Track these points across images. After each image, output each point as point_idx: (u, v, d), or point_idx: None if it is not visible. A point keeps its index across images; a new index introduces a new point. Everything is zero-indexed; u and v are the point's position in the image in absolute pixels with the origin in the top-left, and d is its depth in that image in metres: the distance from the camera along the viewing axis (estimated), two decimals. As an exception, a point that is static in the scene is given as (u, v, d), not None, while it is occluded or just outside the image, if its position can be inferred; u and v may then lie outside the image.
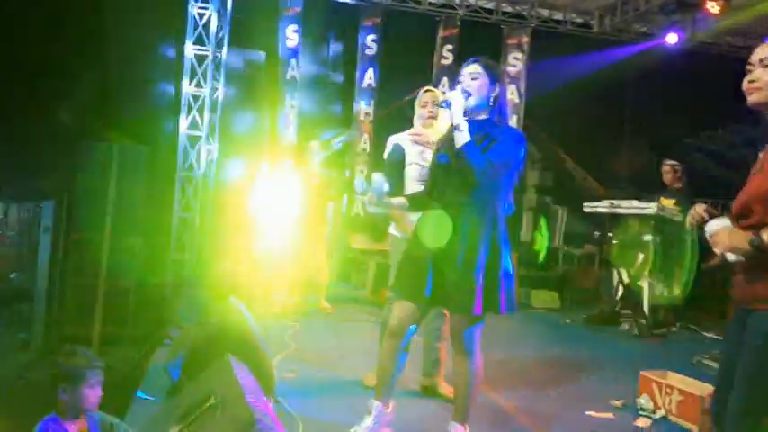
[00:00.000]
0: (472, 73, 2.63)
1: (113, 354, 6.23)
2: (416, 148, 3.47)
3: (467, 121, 2.55)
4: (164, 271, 8.23)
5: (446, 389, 3.50)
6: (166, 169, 8.22)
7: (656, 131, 8.65)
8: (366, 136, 8.65)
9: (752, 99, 1.87)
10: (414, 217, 3.22)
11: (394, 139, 3.57)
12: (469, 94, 2.58)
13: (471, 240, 2.54)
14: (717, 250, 1.84)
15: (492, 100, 2.63)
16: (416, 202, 2.86)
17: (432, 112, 3.50)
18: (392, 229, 3.61)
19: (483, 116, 2.63)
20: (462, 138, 2.48)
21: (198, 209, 8.25)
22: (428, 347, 3.54)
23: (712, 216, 1.90)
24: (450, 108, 2.54)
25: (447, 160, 2.60)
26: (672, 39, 7.88)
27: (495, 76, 2.66)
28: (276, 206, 6.35)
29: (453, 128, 2.52)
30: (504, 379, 4.02)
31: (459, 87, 2.65)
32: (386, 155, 3.62)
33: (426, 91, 3.60)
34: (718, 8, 6.92)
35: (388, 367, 2.77)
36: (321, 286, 6.11)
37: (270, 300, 5.92)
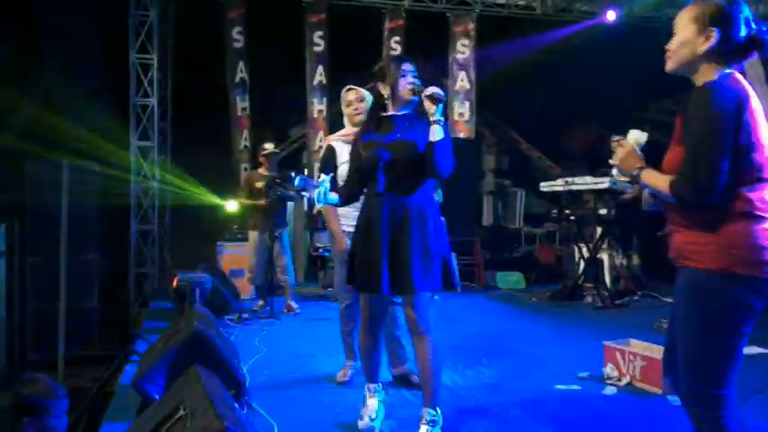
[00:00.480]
0: (413, 71, 2.77)
1: (80, 375, 6.11)
2: (348, 147, 3.47)
3: (398, 114, 2.72)
4: (126, 286, 8.10)
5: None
6: (120, 182, 8.08)
7: (605, 107, 8.83)
8: (321, 134, 8.62)
9: (667, 67, 1.94)
10: (344, 211, 3.41)
11: (327, 141, 3.71)
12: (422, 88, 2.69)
13: (420, 226, 2.67)
14: (612, 161, 2.07)
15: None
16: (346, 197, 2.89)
17: (357, 109, 3.56)
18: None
19: (407, 111, 2.76)
20: (440, 133, 2.59)
21: (156, 220, 8.13)
22: (388, 337, 3.59)
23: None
24: (443, 103, 2.63)
25: (388, 155, 2.67)
26: (611, 16, 8.06)
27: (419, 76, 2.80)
28: (237, 209, 6.33)
29: (435, 122, 2.60)
30: (471, 359, 4.09)
31: (408, 79, 2.73)
32: (320, 157, 3.75)
33: (349, 90, 3.66)
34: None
35: (372, 358, 2.94)
36: (287, 287, 6.09)
37: (236, 305, 5.88)
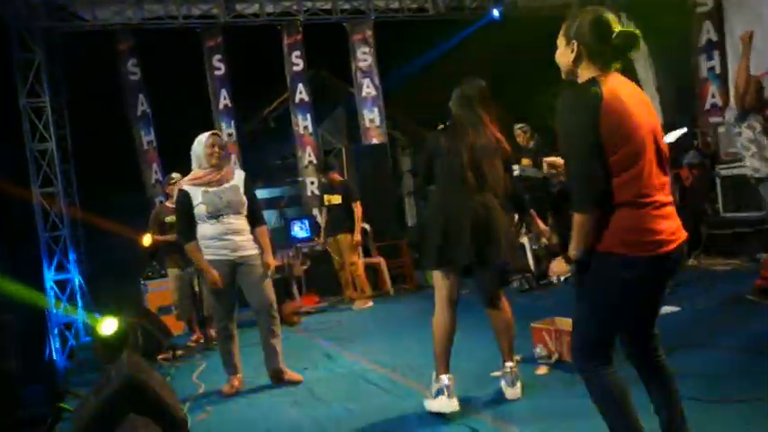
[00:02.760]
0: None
1: (10, 443, 5.75)
2: (200, 189, 4.00)
3: None
4: (45, 341, 7.71)
5: (291, 374, 4.16)
6: (28, 233, 7.69)
7: (510, 97, 9.18)
8: (234, 156, 8.52)
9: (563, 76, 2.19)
10: (210, 240, 4.01)
11: (180, 185, 4.12)
12: None
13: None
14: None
15: None
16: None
17: (219, 152, 4.04)
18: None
19: None
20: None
21: (73, 269, 7.79)
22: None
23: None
24: None
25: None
26: (496, 13, 8.51)
27: None
28: (150, 245, 6.17)
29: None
30: (404, 353, 4.18)
31: None
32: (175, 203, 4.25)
33: (213, 134, 4.10)
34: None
35: (446, 337, 3.21)
36: (207, 318, 5.93)
37: (169, 343, 5.71)
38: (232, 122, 8.54)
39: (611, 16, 2.07)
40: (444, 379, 3.13)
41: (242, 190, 4.06)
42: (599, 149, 1.92)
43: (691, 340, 3.69)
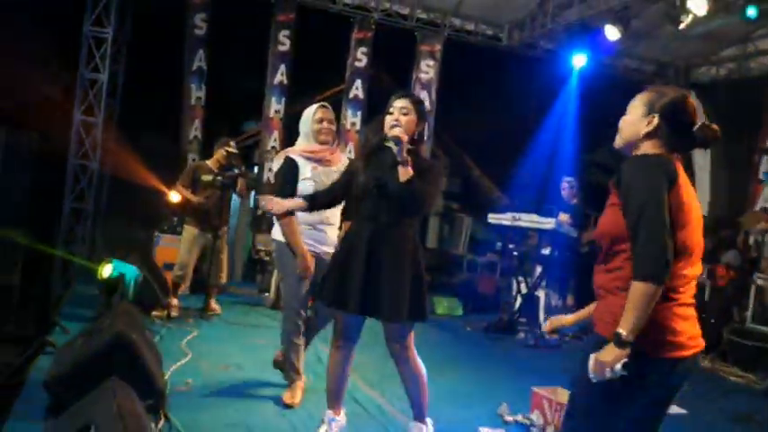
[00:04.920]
0: (403, 108, 2.82)
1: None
2: (310, 164, 3.53)
3: (391, 148, 2.75)
4: (51, 265, 7.71)
5: None
6: (58, 157, 7.70)
7: (555, 145, 9.04)
8: (276, 133, 8.47)
9: (615, 143, 2.08)
10: (302, 226, 3.50)
11: (286, 153, 3.61)
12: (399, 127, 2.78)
13: (401, 255, 2.82)
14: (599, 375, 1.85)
15: (417, 133, 2.86)
16: (318, 203, 3.02)
17: (327, 129, 3.58)
18: (277, 235, 3.60)
19: (410, 146, 2.81)
20: (407, 173, 2.71)
21: (92, 200, 7.78)
22: None
23: None
24: (399, 145, 2.71)
25: (383, 188, 2.79)
26: (579, 61, 8.30)
27: (421, 113, 2.88)
28: (179, 200, 6.04)
29: (399, 163, 2.71)
30: (391, 377, 4.05)
31: (389, 119, 2.82)
32: (276, 167, 3.69)
33: (322, 107, 3.64)
34: (618, 33, 7.33)
35: (337, 377, 3.03)
36: (212, 287, 5.85)
37: (167, 301, 5.61)
38: (283, 99, 8.49)
39: (698, 104, 1.99)
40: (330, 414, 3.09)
41: None
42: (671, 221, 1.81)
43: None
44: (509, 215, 6.24)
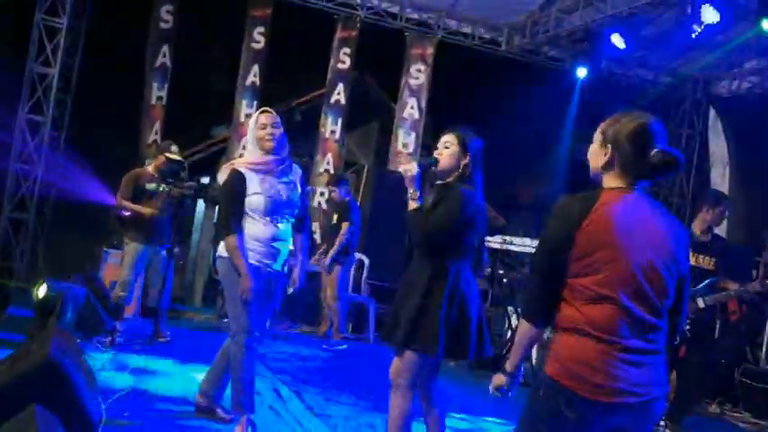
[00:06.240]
0: (446, 142, 3.16)
1: None
2: (257, 176, 3.56)
3: (438, 183, 3.16)
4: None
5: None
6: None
7: (558, 164, 9.10)
8: (245, 139, 8.44)
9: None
10: (255, 242, 3.55)
11: (231, 165, 3.67)
12: (436, 161, 3.14)
13: (407, 285, 3.14)
14: None
15: (461, 167, 3.12)
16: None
17: (272, 135, 3.58)
18: (222, 251, 3.63)
19: (449, 179, 3.14)
20: (411, 205, 3.06)
21: (34, 210, 7.71)
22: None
23: None
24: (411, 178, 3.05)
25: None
26: (581, 72, 8.38)
27: (466, 145, 3.15)
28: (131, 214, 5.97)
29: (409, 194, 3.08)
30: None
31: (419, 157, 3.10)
32: (221, 181, 3.69)
33: (264, 112, 3.67)
34: (623, 43, 7.43)
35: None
36: (161, 311, 5.77)
37: (114, 324, 5.54)
38: (255, 103, 8.49)
39: (658, 129, 2.05)
40: None
41: (299, 190, 3.73)
42: (560, 269, 1.98)
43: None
44: (499, 238, 6.24)
